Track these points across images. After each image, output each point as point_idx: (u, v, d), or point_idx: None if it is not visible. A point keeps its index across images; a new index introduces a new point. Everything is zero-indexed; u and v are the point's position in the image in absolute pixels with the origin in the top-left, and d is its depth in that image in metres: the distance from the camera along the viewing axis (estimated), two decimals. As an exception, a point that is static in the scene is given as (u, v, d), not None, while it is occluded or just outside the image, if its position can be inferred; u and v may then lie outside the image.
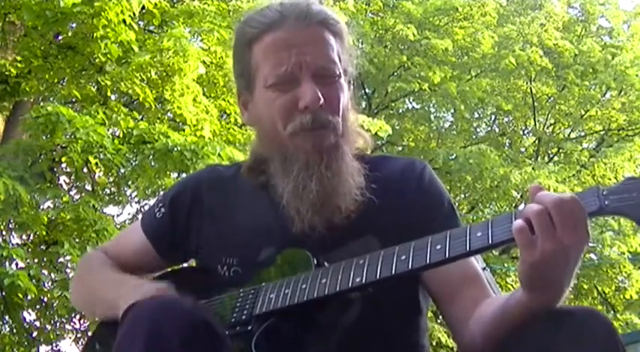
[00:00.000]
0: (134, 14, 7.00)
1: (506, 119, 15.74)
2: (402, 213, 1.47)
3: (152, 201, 9.78)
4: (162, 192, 7.39)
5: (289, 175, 1.45)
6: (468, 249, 1.20)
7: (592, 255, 12.29)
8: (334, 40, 1.49)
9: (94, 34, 6.93)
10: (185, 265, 1.71)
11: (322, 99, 1.43)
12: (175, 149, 6.79)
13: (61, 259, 7.46)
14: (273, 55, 1.45)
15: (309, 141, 1.44)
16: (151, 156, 7.06)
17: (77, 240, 7.16)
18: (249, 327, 1.35)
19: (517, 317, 1.22)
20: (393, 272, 1.25)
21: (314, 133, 1.44)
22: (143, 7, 7.23)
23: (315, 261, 1.39)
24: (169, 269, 1.68)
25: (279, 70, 1.44)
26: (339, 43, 1.50)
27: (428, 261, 1.23)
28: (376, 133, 8.49)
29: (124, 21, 6.88)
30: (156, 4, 7.29)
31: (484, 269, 1.56)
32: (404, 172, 1.55)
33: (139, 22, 8.15)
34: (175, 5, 8.56)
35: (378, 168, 1.53)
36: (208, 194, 1.60)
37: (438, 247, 1.23)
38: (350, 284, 1.28)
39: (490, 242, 1.18)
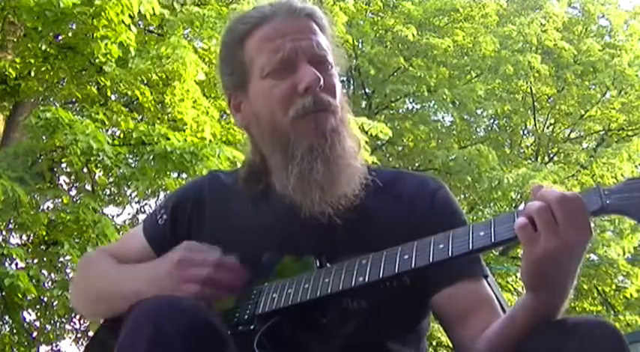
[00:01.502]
0: (133, 15, 6.99)
1: (505, 119, 15.74)
2: (411, 233, 1.37)
3: (152, 202, 9.78)
4: (164, 195, 7.40)
5: (293, 161, 1.42)
6: (470, 247, 1.20)
7: (591, 255, 12.30)
8: (321, 33, 1.50)
9: (94, 34, 6.93)
10: None
11: (322, 80, 1.43)
12: (175, 151, 6.79)
13: (61, 259, 7.47)
14: (268, 44, 1.45)
15: (312, 123, 1.42)
16: (151, 159, 7.05)
17: (77, 241, 7.16)
18: (252, 327, 1.35)
19: (523, 325, 1.21)
20: (396, 271, 1.24)
21: (316, 115, 1.43)
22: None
23: (318, 263, 1.38)
24: None
25: (276, 57, 1.43)
26: (325, 37, 1.51)
27: (431, 259, 1.22)
28: (376, 135, 8.51)
29: (124, 21, 6.88)
30: (153, 14, 7.28)
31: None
32: (417, 191, 1.51)
33: (139, 23, 8.14)
34: (175, 11, 8.53)
35: (390, 182, 1.51)
36: (209, 200, 1.59)
37: (441, 246, 1.22)
38: (353, 283, 1.28)
39: (493, 240, 1.18)
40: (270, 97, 1.44)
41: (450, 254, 1.21)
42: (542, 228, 1.12)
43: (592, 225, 1.13)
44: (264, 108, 1.46)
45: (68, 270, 7.52)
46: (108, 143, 6.70)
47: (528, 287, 1.19)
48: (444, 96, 13.22)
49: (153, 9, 7.03)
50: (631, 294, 12.45)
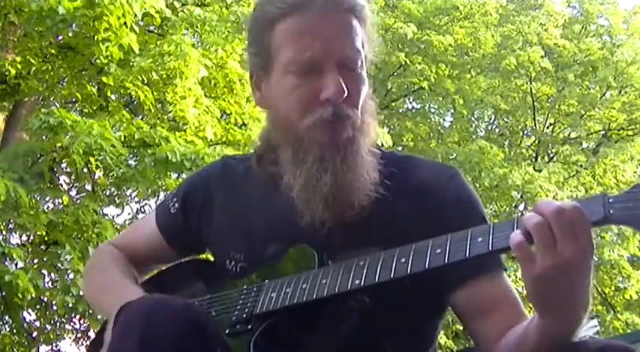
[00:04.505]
0: (135, 15, 6.98)
1: (505, 119, 15.72)
2: (420, 227, 1.33)
3: (152, 202, 9.73)
4: (164, 195, 7.38)
5: (302, 165, 1.38)
6: (467, 254, 1.17)
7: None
8: (359, 28, 1.40)
9: (95, 37, 6.92)
10: (195, 258, 1.69)
11: (346, 92, 1.36)
12: (176, 157, 6.77)
13: (61, 259, 7.46)
14: (298, 39, 1.37)
15: (327, 134, 1.37)
16: (152, 163, 7.05)
17: (77, 241, 7.16)
18: (249, 326, 1.35)
19: (537, 346, 1.17)
20: (392, 275, 1.24)
21: (333, 126, 1.37)
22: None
23: (318, 260, 1.37)
24: (179, 262, 1.66)
25: (303, 56, 1.36)
26: (363, 30, 1.42)
27: (427, 265, 1.21)
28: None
29: (125, 24, 6.86)
30: (157, 11, 7.26)
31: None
32: (428, 182, 1.44)
33: (140, 22, 8.13)
34: (176, 11, 8.52)
35: (400, 172, 1.44)
36: (220, 189, 1.57)
37: (438, 251, 1.20)
38: (349, 287, 1.28)
39: (490, 248, 1.15)
40: (290, 97, 1.39)
41: (445, 261, 1.19)
42: (538, 245, 1.06)
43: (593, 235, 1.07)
44: (282, 104, 1.41)
45: (68, 271, 7.51)
46: (113, 145, 6.66)
47: (535, 308, 1.14)
48: (447, 86, 13.17)
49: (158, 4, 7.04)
50: (631, 296, 12.42)
